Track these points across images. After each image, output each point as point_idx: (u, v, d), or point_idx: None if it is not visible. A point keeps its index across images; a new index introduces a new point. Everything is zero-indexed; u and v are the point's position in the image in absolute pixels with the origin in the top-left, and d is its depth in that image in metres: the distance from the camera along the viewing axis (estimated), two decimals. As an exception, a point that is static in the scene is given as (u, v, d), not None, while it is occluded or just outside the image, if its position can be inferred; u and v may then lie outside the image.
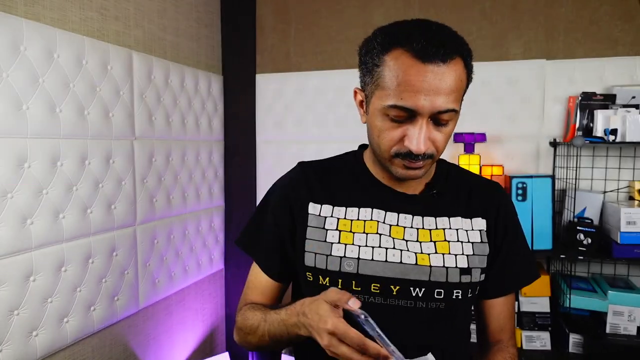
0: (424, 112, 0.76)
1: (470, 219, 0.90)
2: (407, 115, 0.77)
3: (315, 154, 2.25)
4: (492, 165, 1.98)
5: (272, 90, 2.31)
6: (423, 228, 0.87)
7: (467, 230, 0.89)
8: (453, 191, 0.92)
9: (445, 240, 0.86)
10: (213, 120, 2.22)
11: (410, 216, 0.88)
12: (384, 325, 0.85)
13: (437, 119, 0.78)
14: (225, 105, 2.31)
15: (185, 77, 1.99)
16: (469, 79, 0.82)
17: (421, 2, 2.11)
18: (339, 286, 0.85)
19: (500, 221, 0.91)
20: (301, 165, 0.98)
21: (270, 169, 2.33)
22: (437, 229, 0.87)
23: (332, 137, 2.22)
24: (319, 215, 0.90)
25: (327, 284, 0.86)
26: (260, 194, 2.33)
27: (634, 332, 1.68)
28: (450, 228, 0.88)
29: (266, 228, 0.94)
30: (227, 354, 2.04)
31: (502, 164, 2.01)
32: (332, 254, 0.86)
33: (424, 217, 0.89)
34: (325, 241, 0.87)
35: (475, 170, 1.98)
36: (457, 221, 0.89)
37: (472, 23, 2.06)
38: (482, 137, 2.01)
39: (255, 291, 0.96)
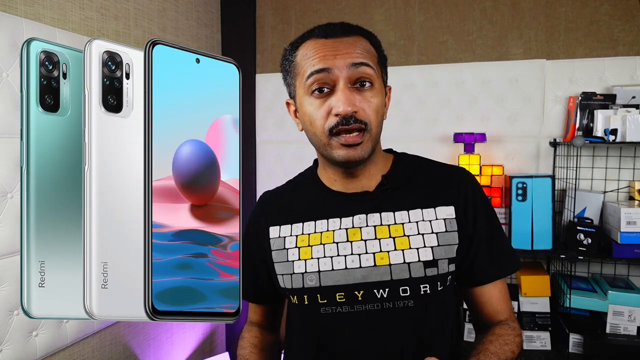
0: (339, 67, 0.79)
1: (434, 208, 0.87)
2: (328, 83, 0.80)
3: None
4: (492, 165, 1.98)
5: (272, 90, 2.31)
6: (381, 224, 0.86)
7: (430, 221, 0.86)
8: (413, 182, 0.90)
9: (404, 235, 0.84)
10: (213, 120, 2.21)
11: (364, 215, 0.87)
12: (356, 333, 0.84)
13: (356, 79, 0.80)
14: (225, 105, 2.31)
15: (185, 77, 1.99)
16: (380, 56, 0.86)
17: (421, 2, 2.11)
18: (306, 302, 0.86)
19: (470, 206, 0.88)
20: (261, 196, 1.04)
21: (270, 169, 2.33)
22: (395, 224, 0.85)
23: (332, 137, 2.22)
24: (279, 236, 0.92)
25: (297, 302, 0.87)
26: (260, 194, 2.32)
27: (634, 332, 1.68)
28: (409, 222, 0.86)
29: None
30: (227, 353, 2.04)
31: (502, 164, 2.01)
32: (295, 271, 0.87)
33: (381, 213, 0.87)
34: (287, 261, 0.88)
35: (475, 170, 1.98)
36: (417, 213, 0.86)
37: (472, 23, 2.06)
38: (482, 137, 2.01)
39: (253, 309, 1.05)
